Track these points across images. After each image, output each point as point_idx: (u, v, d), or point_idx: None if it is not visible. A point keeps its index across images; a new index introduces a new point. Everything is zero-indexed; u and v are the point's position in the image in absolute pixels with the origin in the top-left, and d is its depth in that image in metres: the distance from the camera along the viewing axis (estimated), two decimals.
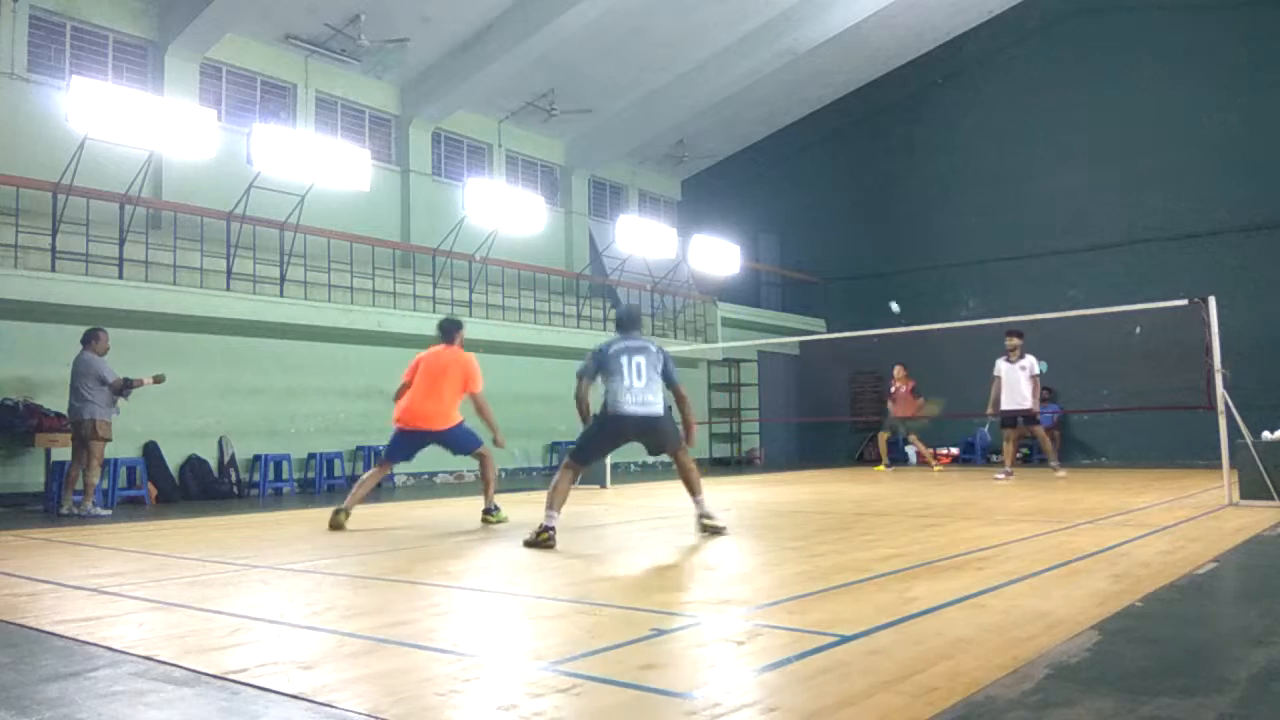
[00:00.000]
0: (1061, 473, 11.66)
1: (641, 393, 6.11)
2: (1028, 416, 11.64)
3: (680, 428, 6.39)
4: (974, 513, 7.33)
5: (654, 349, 6.30)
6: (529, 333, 15.13)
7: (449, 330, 7.54)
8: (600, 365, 6.17)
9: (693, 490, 6.27)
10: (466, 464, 14.98)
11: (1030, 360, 11.54)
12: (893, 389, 14.68)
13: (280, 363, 12.32)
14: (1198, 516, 6.65)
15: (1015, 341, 11.62)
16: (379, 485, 8.45)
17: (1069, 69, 17.76)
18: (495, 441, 7.41)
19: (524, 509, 7.92)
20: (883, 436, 15.28)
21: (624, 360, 6.12)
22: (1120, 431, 16.53)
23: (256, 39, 14.22)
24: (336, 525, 6.93)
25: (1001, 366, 11.65)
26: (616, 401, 6.08)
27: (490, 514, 7.28)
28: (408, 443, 7.32)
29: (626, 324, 6.46)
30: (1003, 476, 11.44)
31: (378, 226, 14.94)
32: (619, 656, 2.85)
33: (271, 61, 14.59)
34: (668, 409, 6.29)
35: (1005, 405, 11.60)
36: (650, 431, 6.21)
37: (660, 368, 6.24)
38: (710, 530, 6.05)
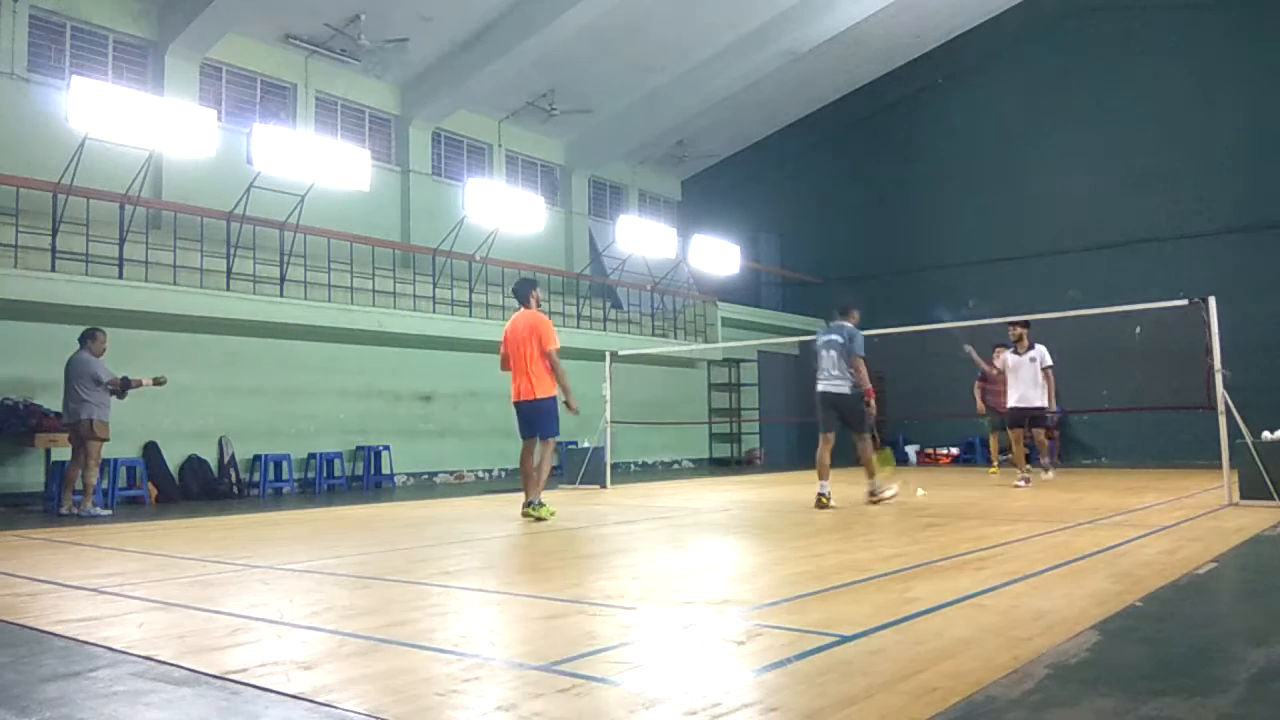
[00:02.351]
0: (1049, 474, 10.88)
1: (828, 373, 7.93)
2: (1034, 417, 10.68)
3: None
4: (974, 513, 7.33)
5: (841, 338, 7.91)
6: None
7: (521, 292, 7.62)
8: (813, 352, 8.18)
9: (867, 473, 8.07)
10: (467, 463, 15.09)
11: (1040, 350, 10.56)
12: (991, 372, 12.62)
13: (280, 363, 12.31)
14: (1198, 516, 6.65)
15: (1017, 330, 10.69)
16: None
17: (1069, 69, 17.76)
18: (567, 405, 7.34)
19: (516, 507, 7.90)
20: (995, 436, 13.24)
21: (821, 352, 8.04)
22: (1120, 431, 16.53)
23: (256, 39, 14.22)
24: (535, 519, 7.11)
25: (1008, 359, 10.84)
26: (815, 381, 8.08)
27: (531, 507, 7.21)
28: (519, 416, 7.40)
29: (835, 314, 8.25)
30: (1022, 483, 10.36)
31: (378, 226, 14.95)
32: (618, 656, 2.85)
33: (271, 61, 14.58)
34: (857, 393, 7.89)
35: (1012, 401, 10.72)
36: (835, 405, 7.92)
37: (847, 350, 7.88)
38: (875, 501, 7.98)
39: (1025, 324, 10.75)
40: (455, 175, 17.26)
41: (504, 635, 3.31)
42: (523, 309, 7.55)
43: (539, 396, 7.24)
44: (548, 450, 7.37)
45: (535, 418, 7.30)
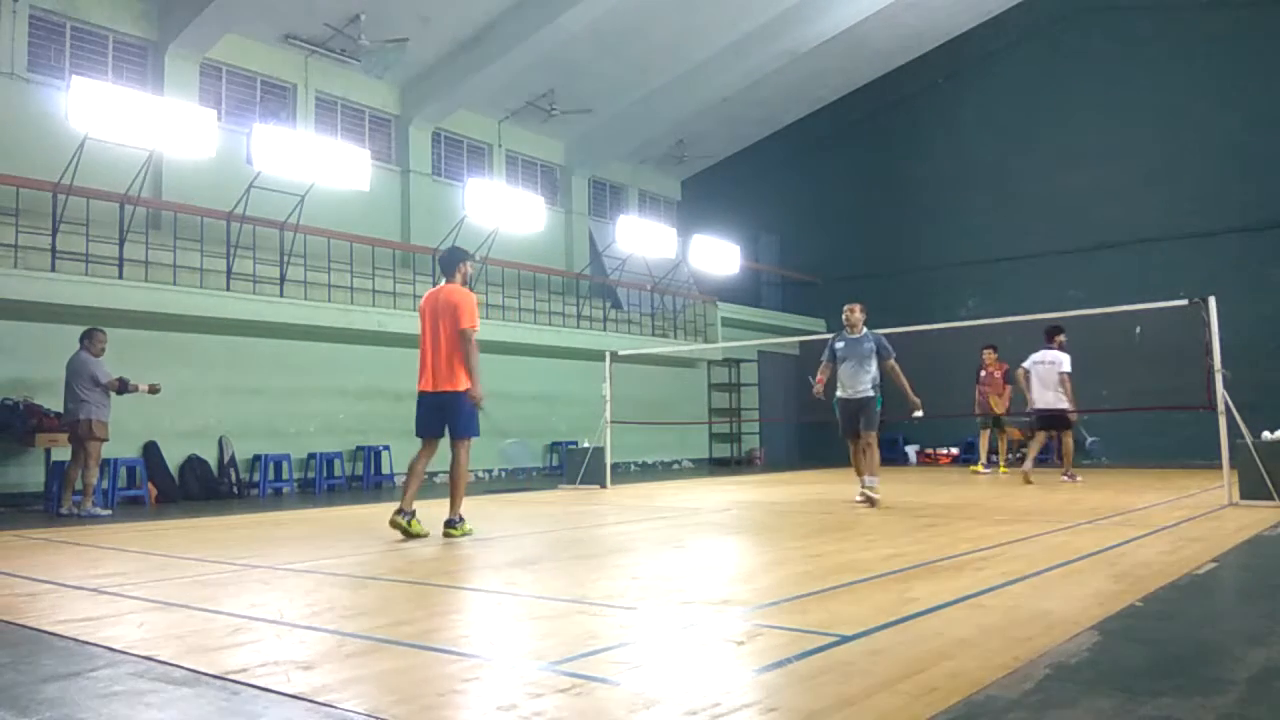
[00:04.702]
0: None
1: (850, 381, 8.14)
2: (1058, 419, 10.90)
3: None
4: (974, 513, 7.33)
5: (867, 345, 8.14)
6: (529, 333, 15.14)
7: (447, 262, 6.42)
8: (829, 357, 8.33)
9: (869, 471, 8.08)
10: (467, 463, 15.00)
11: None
12: (983, 375, 13.24)
13: (280, 363, 12.31)
14: (1198, 516, 6.65)
15: (1062, 337, 10.97)
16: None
17: (1069, 69, 17.75)
18: (470, 396, 6.19)
19: (521, 508, 7.90)
20: (985, 435, 13.66)
21: (838, 360, 8.26)
22: (1120, 431, 16.52)
23: (256, 39, 14.22)
24: (404, 532, 5.99)
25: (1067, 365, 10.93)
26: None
27: (453, 526, 6.15)
28: (422, 408, 6.32)
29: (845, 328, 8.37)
30: (1068, 478, 10.74)
31: (378, 226, 14.94)
32: (619, 656, 2.85)
33: (271, 61, 14.58)
34: (878, 396, 8.17)
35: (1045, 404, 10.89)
36: (856, 409, 8.12)
37: (873, 353, 8.16)
38: (866, 499, 7.91)
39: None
40: (455, 175, 17.26)
41: (504, 635, 3.31)
42: (445, 283, 6.40)
43: (459, 389, 6.17)
44: (466, 453, 6.25)
45: (453, 414, 6.19)
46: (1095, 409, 16.21)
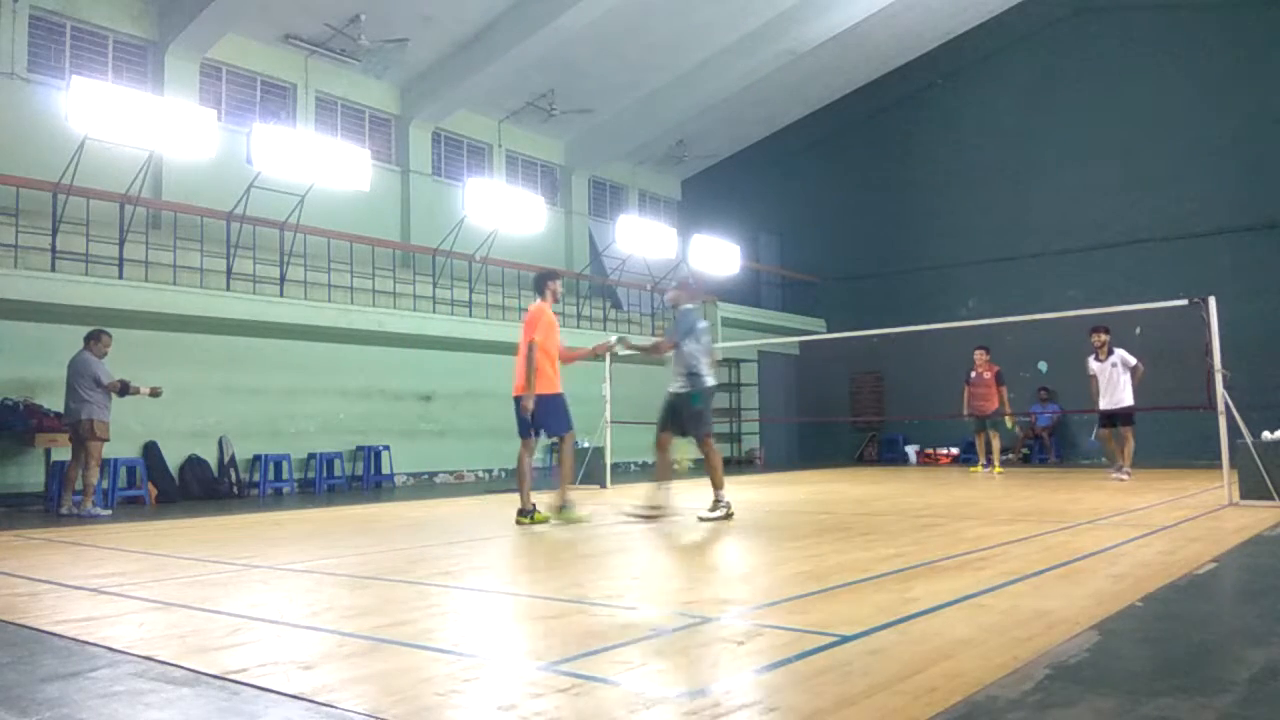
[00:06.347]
0: (1124, 476, 10.80)
1: (673, 368, 6.99)
2: (1123, 417, 11.08)
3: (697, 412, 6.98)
4: (974, 513, 7.33)
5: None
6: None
7: (536, 282, 7.36)
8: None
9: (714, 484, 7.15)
10: (467, 463, 15.09)
11: (1122, 354, 11.07)
12: (973, 376, 13.22)
13: (280, 363, 12.31)
14: (1198, 516, 6.65)
15: (1103, 337, 11.14)
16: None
17: (1069, 69, 17.75)
18: (522, 404, 6.82)
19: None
20: (980, 437, 13.74)
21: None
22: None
23: (256, 39, 14.22)
24: (532, 522, 6.68)
25: (1093, 365, 11.20)
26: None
27: (564, 510, 6.85)
28: (516, 412, 6.93)
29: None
30: (1125, 476, 10.79)
31: (378, 226, 14.94)
32: (619, 656, 2.85)
33: (271, 61, 14.58)
34: (692, 391, 6.91)
35: (1104, 404, 11.11)
36: (671, 406, 7.05)
37: (685, 334, 6.91)
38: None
39: (1106, 330, 11.21)
40: (455, 175, 17.26)
41: (504, 635, 3.31)
42: (537, 300, 7.23)
43: (535, 392, 6.81)
44: (568, 447, 7.00)
45: (539, 416, 6.87)
46: (1095, 409, 16.21)
